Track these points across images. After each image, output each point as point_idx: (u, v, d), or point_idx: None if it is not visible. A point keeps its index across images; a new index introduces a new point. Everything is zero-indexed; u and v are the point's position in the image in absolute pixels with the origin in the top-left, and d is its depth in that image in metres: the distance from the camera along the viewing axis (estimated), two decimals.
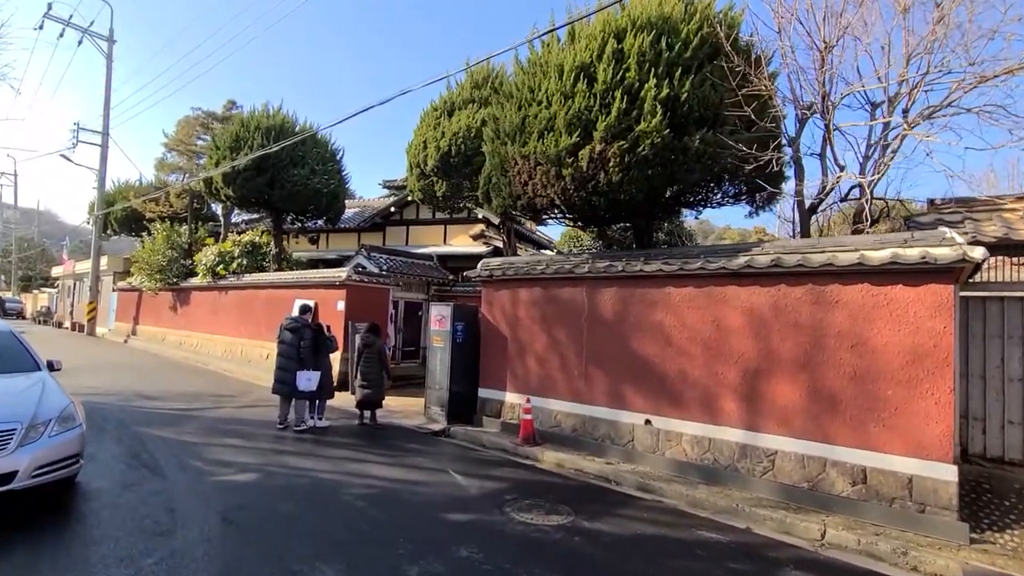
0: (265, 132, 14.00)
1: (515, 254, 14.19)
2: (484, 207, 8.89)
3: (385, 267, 13.45)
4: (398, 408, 9.82)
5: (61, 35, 23.04)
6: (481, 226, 17.20)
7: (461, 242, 17.62)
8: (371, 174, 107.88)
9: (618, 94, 6.47)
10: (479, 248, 16.78)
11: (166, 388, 10.59)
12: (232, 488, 4.99)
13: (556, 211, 7.51)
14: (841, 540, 4.79)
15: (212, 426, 7.60)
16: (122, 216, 23.16)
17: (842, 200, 6.83)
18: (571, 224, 10.36)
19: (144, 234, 21.13)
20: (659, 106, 6.24)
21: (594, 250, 16.19)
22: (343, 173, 15.97)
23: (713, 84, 6.60)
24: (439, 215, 18.29)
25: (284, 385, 7.85)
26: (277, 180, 14.18)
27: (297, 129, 14.89)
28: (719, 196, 8.31)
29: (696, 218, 9.04)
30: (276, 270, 15.43)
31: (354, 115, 10.84)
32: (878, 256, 5.26)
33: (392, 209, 18.74)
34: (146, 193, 21.30)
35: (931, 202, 6.44)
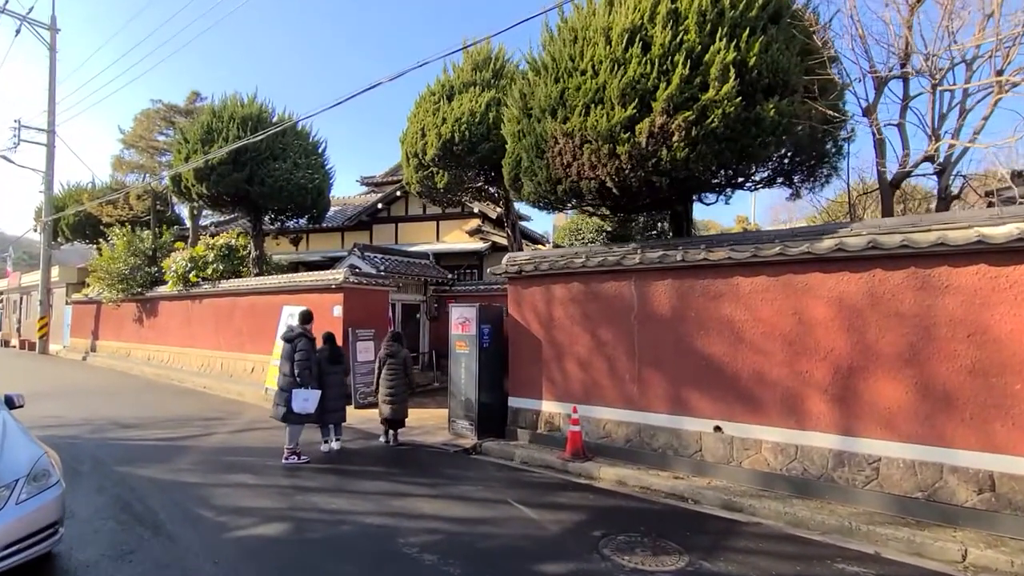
0: (241, 122, 12.65)
1: (520, 249, 13.31)
2: (511, 195, 7.94)
3: (382, 267, 12.36)
4: (414, 423, 8.82)
5: None
6: (476, 221, 16.23)
7: (456, 239, 16.62)
8: (347, 171, 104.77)
9: (679, 59, 5.66)
10: (476, 244, 15.83)
11: (143, 412, 9.28)
12: (261, 548, 3.96)
13: (606, 196, 6.66)
14: (989, 561, 4.13)
15: (210, 459, 6.46)
16: (75, 221, 21.10)
17: (906, 175, 6.21)
18: (592, 212, 9.53)
19: (101, 240, 19.28)
20: (732, 70, 5.46)
21: (597, 243, 15.48)
22: (327, 167, 14.72)
23: (779, 48, 5.87)
24: (430, 211, 17.23)
25: (281, 407, 6.57)
26: (256, 175, 12.84)
27: (275, 119, 13.58)
28: (761, 176, 7.62)
29: (727, 202, 8.32)
30: (257, 275, 14.09)
31: (342, 101, 9.65)
32: (1001, 233, 4.63)
33: (379, 206, 17.56)
34: (102, 195, 19.39)
35: (1018, 174, 5.88)
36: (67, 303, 22.76)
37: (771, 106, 5.63)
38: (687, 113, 5.57)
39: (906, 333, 5.10)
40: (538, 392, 7.69)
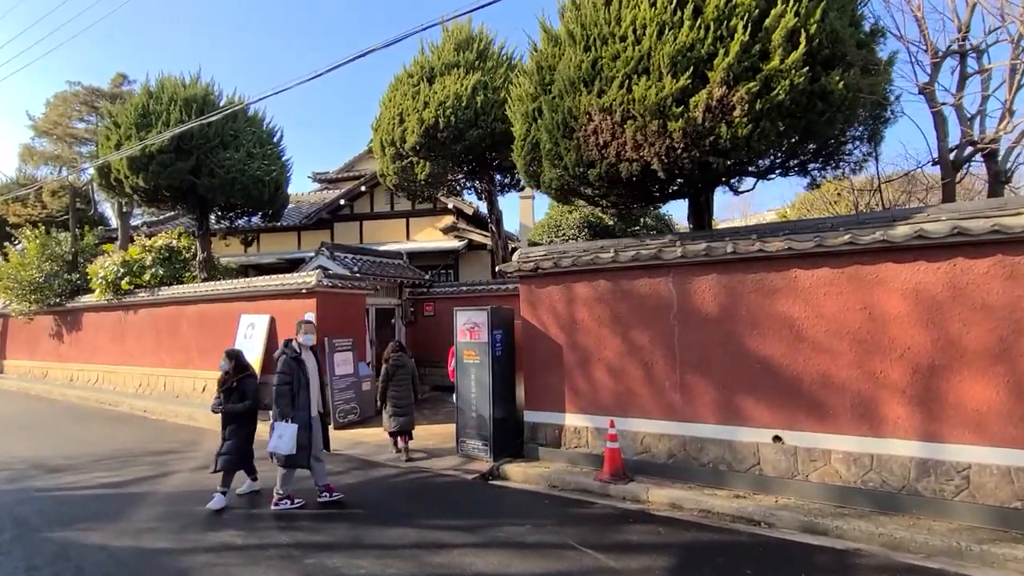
0: (184, 104, 10.96)
1: (505, 247, 12.43)
2: (528, 184, 7.03)
3: (355, 268, 11.10)
4: (412, 443, 7.74)
5: None
6: (451, 218, 15.19)
7: (428, 237, 15.48)
8: (296, 167, 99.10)
9: (737, 23, 4.98)
10: (451, 243, 14.78)
11: (75, 449, 7.64)
12: None
13: (646, 180, 5.90)
14: None
15: (175, 510, 5.15)
16: None
17: (969, 158, 5.87)
18: (605, 204, 8.76)
19: (8, 244, 16.62)
20: (803, 34, 4.84)
21: (579, 240, 14.77)
22: (284, 158, 13.18)
23: (835, 16, 5.32)
24: (399, 207, 16.02)
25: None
26: (204, 165, 11.18)
27: (223, 104, 11.95)
28: (781, 161, 7.11)
29: (736, 193, 7.82)
30: (205, 279, 12.39)
31: (304, 81, 8.25)
32: None
33: (342, 202, 16.10)
34: (7, 191, 16.70)
35: None
36: None
37: (837, 78, 5.05)
38: (750, 84, 4.90)
39: (995, 327, 4.65)
40: (560, 404, 6.84)
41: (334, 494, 5.44)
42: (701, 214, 7.53)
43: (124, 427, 9.58)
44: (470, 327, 7.04)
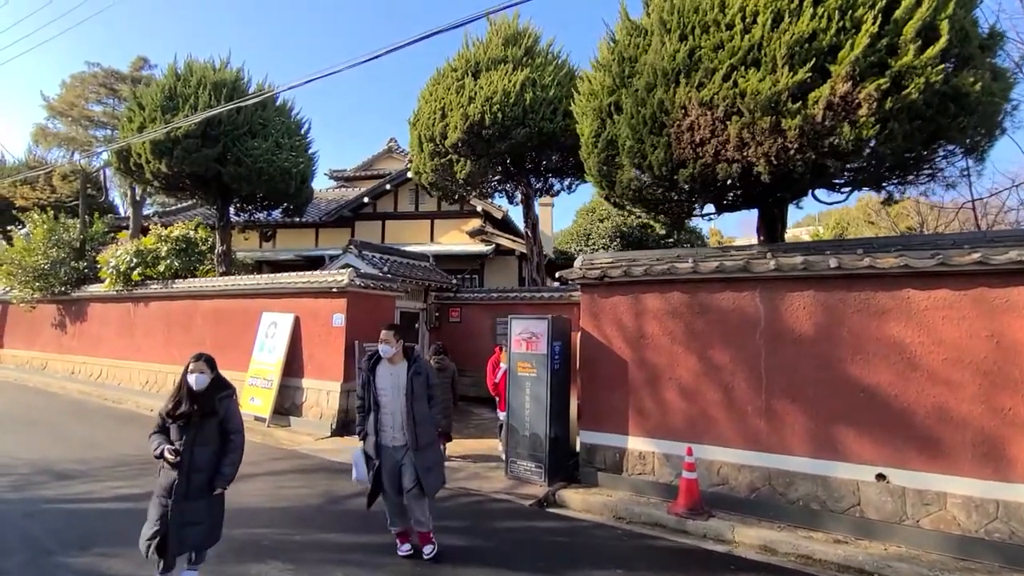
0: (214, 88, 10.43)
1: (540, 252, 11.89)
2: (598, 186, 6.48)
3: (385, 268, 10.53)
4: (448, 461, 7.14)
5: None
6: (478, 221, 14.64)
7: (453, 240, 14.93)
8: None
9: (866, 14, 4.48)
10: (478, 247, 14.23)
11: (83, 452, 7.00)
12: None
13: (743, 184, 5.37)
14: None
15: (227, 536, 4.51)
16: None
17: None
18: (657, 209, 8.17)
19: (13, 228, 15.99)
20: (942, 28, 4.33)
21: (611, 250, 14.19)
22: (311, 151, 12.64)
23: (962, 12, 4.83)
24: (423, 208, 15.48)
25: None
26: (231, 153, 10.62)
27: (253, 90, 11.43)
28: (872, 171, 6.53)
29: (799, 206, 7.31)
30: (223, 273, 11.78)
31: (340, 70, 7.64)
32: None
33: (365, 200, 15.54)
34: (16, 172, 16.09)
35: None
36: None
37: (971, 79, 4.54)
38: (879, 80, 4.38)
39: None
40: (622, 425, 6.25)
41: (426, 550, 4.10)
42: (774, 225, 7.00)
43: (133, 428, 8.91)
44: (527, 337, 6.47)
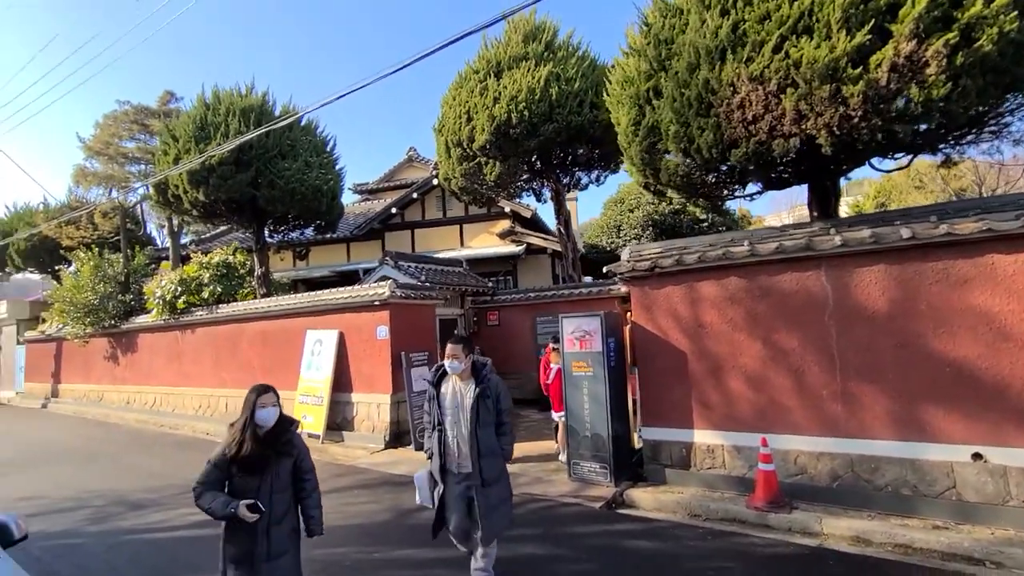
0: (242, 115, 10.62)
1: (575, 249, 11.73)
2: (641, 176, 6.30)
3: (422, 277, 10.52)
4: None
5: None
6: (506, 222, 14.55)
7: (483, 243, 14.88)
8: None
9: None
10: (509, 248, 14.14)
11: (151, 481, 7.15)
12: None
13: (801, 158, 5.13)
14: None
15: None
16: (27, 247, 18.23)
17: None
18: (692, 198, 7.88)
19: (62, 267, 16.63)
20: None
21: (643, 239, 13.86)
22: (338, 167, 12.76)
23: None
24: (451, 214, 15.48)
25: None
26: (264, 176, 10.79)
27: (279, 113, 11.58)
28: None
29: (847, 180, 6.94)
30: (264, 295, 11.98)
31: (364, 85, 7.53)
32: None
33: (393, 211, 15.63)
34: (60, 214, 16.72)
35: None
36: (19, 342, 19.73)
37: None
38: (947, 35, 4.10)
39: None
40: (686, 419, 6.05)
41: None
42: (827, 200, 6.69)
43: (193, 454, 9.10)
44: (579, 336, 6.33)
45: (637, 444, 6.99)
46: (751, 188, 7.07)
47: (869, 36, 4.29)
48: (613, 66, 6.67)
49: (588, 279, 13.48)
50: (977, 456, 4.65)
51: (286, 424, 3.01)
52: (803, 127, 4.63)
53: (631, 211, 14.55)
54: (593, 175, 12.51)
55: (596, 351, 6.20)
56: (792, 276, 5.51)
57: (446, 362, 3.66)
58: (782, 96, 4.65)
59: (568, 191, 12.91)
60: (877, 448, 5.05)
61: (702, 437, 5.96)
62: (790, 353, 5.50)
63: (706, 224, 13.89)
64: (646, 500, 5.66)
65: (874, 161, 6.20)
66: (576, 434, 6.33)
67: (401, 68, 7.20)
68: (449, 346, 3.65)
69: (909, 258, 4.96)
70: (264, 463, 2.82)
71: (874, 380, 5.09)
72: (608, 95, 6.73)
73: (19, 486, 7.00)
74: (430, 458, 3.71)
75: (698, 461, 5.95)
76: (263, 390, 2.94)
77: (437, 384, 3.74)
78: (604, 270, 6.64)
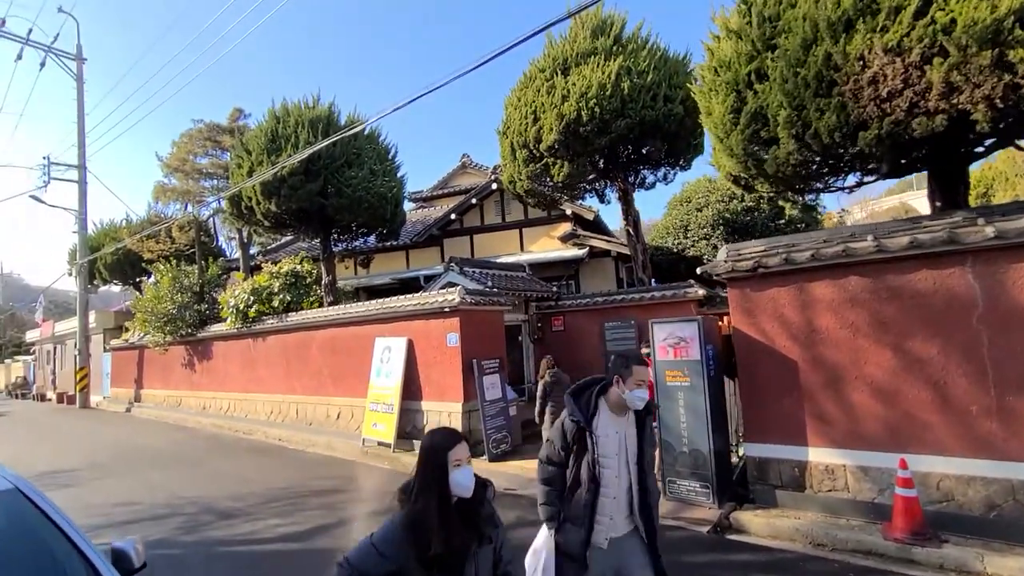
0: (310, 125, 10.80)
1: (645, 251, 11.19)
2: (742, 171, 5.77)
3: (489, 283, 10.29)
4: None
5: (19, 57, 19.55)
6: (567, 225, 14.16)
7: (544, 247, 14.54)
8: None
9: None
10: (572, 251, 13.73)
11: (235, 487, 7.20)
12: None
13: (947, 138, 4.51)
14: None
15: None
16: (112, 261, 19.46)
17: None
18: (795, 191, 7.23)
19: (143, 279, 17.60)
20: None
21: (713, 240, 13.07)
22: (400, 175, 12.79)
23: None
24: (510, 218, 15.25)
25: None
26: (332, 185, 10.93)
27: (343, 122, 11.71)
28: None
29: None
30: (332, 303, 12.11)
31: (425, 94, 7.33)
32: None
33: (452, 216, 15.58)
34: (141, 229, 17.72)
35: None
36: (105, 350, 21.07)
37: None
38: None
39: None
40: (799, 435, 5.45)
41: None
42: (955, 188, 5.93)
43: (269, 459, 9.21)
44: (673, 343, 5.85)
45: (735, 461, 6.44)
46: (850, 180, 6.44)
47: None
48: (709, 49, 6.17)
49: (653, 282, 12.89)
50: None
51: (483, 489, 1.93)
52: (954, 101, 4.01)
53: (699, 211, 13.82)
54: (660, 173, 11.94)
55: (694, 359, 5.70)
56: (929, 274, 4.84)
57: (630, 392, 2.49)
58: (926, 68, 4.05)
59: (633, 191, 12.40)
60: None
61: (819, 455, 5.34)
62: (928, 362, 4.83)
63: (783, 222, 12.99)
64: (758, 525, 5.11)
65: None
66: (672, 450, 5.84)
67: (466, 73, 7.05)
68: (636, 369, 2.50)
69: None
70: (462, 557, 1.83)
71: None
72: (701, 82, 6.25)
73: (114, 491, 7.20)
74: (555, 530, 2.56)
75: (815, 482, 5.33)
76: (453, 439, 1.90)
77: (589, 424, 2.53)
78: (698, 271, 6.15)
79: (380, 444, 9.29)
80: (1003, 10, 3.71)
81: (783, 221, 12.98)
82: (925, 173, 6.11)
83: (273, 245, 18.92)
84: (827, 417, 5.31)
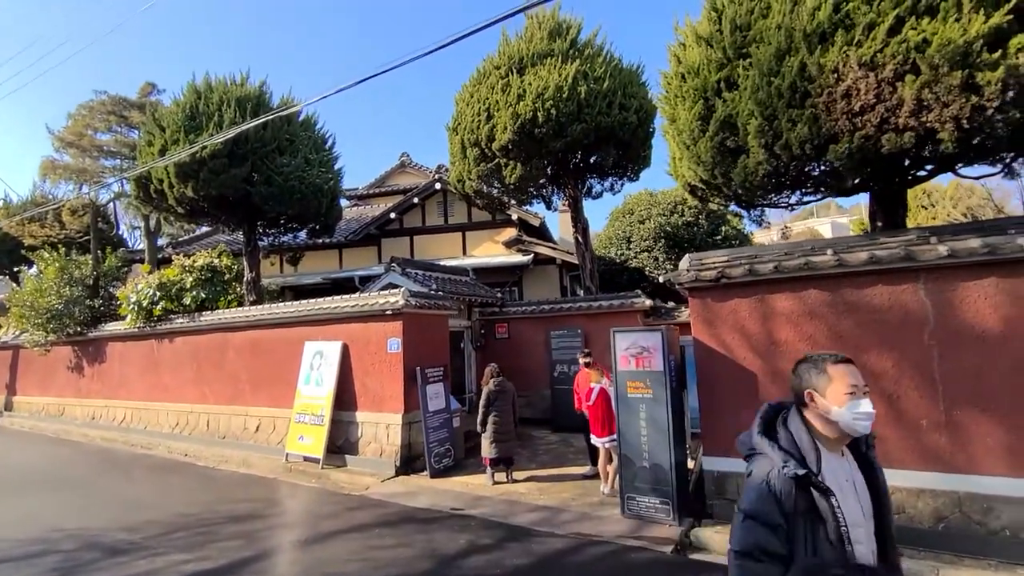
0: (238, 104, 9.70)
1: (593, 259, 11.11)
2: (707, 182, 5.69)
3: (432, 286, 9.72)
4: (536, 497, 6.27)
5: None
6: (512, 230, 13.86)
7: (488, 251, 14.13)
8: None
9: None
10: (516, 258, 13.43)
11: (132, 515, 6.10)
12: None
13: (925, 155, 4.59)
14: None
15: None
16: None
17: None
18: (749, 205, 7.35)
19: (22, 268, 15.21)
20: None
21: (655, 251, 13.20)
22: (337, 167, 11.88)
23: None
24: (453, 220, 14.72)
25: None
26: (261, 172, 9.86)
27: (276, 104, 10.69)
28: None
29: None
30: (254, 302, 10.96)
31: (365, 80, 6.74)
32: None
33: (392, 215, 14.77)
34: (22, 210, 15.32)
35: None
36: None
37: None
38: None
39: None
40: None
41: None
42: (894, 209, 6.22)
43: (174, 478, 8.03)
44: (636, 352, 5.63)
45: (692, 474, 6.33)
46: (794, 197, 6.61)
47: (1009, 16, 3.77)
48: (636, 70, 6.07)
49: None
50: None
51: None
52: (923, 119, 4.07)
53: (641, 222, 14.04)
54: (607, 183, 11.97)
55: (656, 370, 5.50)
56: (884, 290, 4.94)
57: (842, 409, 1.68)
58: (898, 84, 4.10)
59: (584, 199, 12.33)
60: (989, 485, 4.47)
61: None
62: (882, 377, 4.91)
63: (719, 238, 13.47)
64: (720, 543, 4.94)
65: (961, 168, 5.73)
66: (631, 464, 5.60)
67: (409, 61, 6.49)
68: (837, 370, 1.74)
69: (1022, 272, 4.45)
70: None
71: (985, 408, 4.52)
72: (664, 90, 6.15)
73: None
74: None
75: None
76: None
77: (815, 473, 1.62)
78: (663, 280, 5.97)
79: (307, 459, 8.41)
80: (973, 33, 3.80)
81: (719, 237, 13.46)
82: (830, 200, 6.38)
83: (186, 237, 17.09)
84: None
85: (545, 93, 8.65)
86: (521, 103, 8.75)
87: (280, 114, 8.18)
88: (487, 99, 9.23)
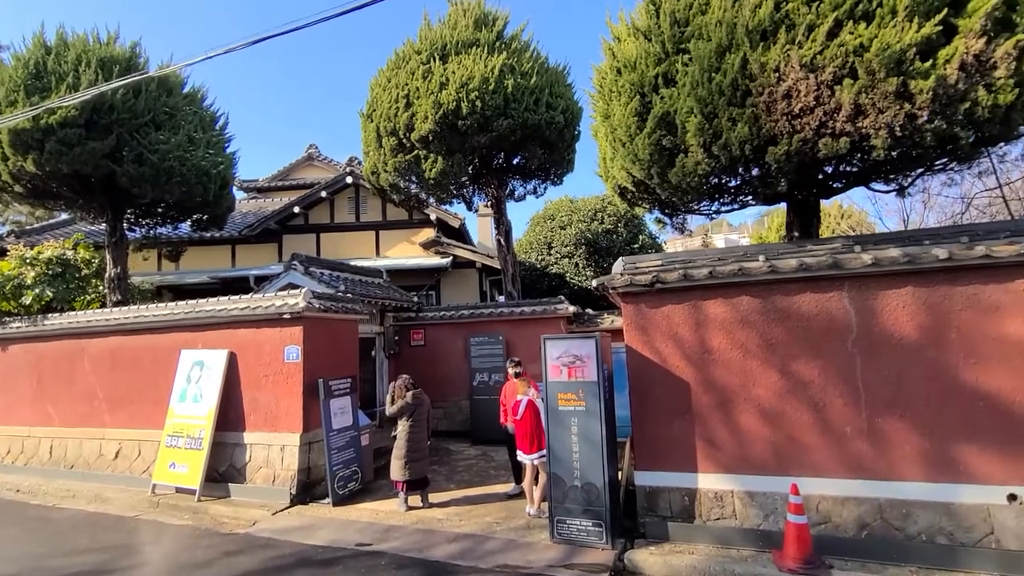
0: (101, 66, 8.05)
1: (515, 263, 10.69)
2: (644, 175, 5.41)
3: (340, 288, 8.73)
4: (453, 523, 5.64)
5: None
6: (430, 231, 13.08)
7: (403, 252, 13.22)
8: None
9: None
10: (434, 260, 12.68)
11: None
12: None
13: (852, 162, 4.56)
14: None
15: None
16: None
17: None
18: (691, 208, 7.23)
19: None
20: None
21: (576, 257, 13.09)
22: (230, 151, 10.40)
23: None
24: (365, 218, 13.65)
25: None
26: (130, 148, 8.23)
27: (154, 71, 9.11)
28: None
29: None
30: (118, 303, 9.23)
31: (255, 41, 6.21)
32: None
33: (296, 210, 13.33)
34: None
35: None
36: None
37: None
38: (1018, 36, 3.75)
39: None
40: (689, 461, 5.17)
41: None
42: (808, 219, 6.40)
43: (11, 527, 6.35)
44: (568, 362, 5.20)
45: (623, 491, 6.01)
46: (715, 206, 6.64)
47: (940, 27, 3.81)
48: (610, 49, 5.77)
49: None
50: (1012, 497, 4.29)
51: None
52: (859, 124, 4.03)
53: (562, 228, 13.93)
54: (530, 186, 11.66)
55: (590, 380, 5.11)
56: (812, 297, 4.93)
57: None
58: (837, 88, 4.03)
59: (507, 201, 11.90)
60: (907, 491, 4.54)
61: (708, 482, 5.10)
62: (810, 384, 4.88)
63: (637, 246, 13.69)
64: (655, 565, 4.63)
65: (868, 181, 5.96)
66: (562, 484, 5.14)
67: (294, 29, 5.70)
68: None
69: (937, 281, 4.59)
70: None
71: (903, 415, 4.61)
72: (600, 84, 5.83)
73: None
74: None
75: (704, 511, 5.07)
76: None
77: None
78: (594, 283, 5.61)
79: (179, 491, 7.09)
80: (907, 40, 3.80)
81: (637, 245, 13.68)
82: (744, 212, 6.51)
83: (37, 225, 14.31)
84: (716, 441, 5.11)
85: (470, 83, 8.09)
86: (444, 92, 8.11)
87: (155, 74, 6.82)
88: (407, 85, 8.48)
